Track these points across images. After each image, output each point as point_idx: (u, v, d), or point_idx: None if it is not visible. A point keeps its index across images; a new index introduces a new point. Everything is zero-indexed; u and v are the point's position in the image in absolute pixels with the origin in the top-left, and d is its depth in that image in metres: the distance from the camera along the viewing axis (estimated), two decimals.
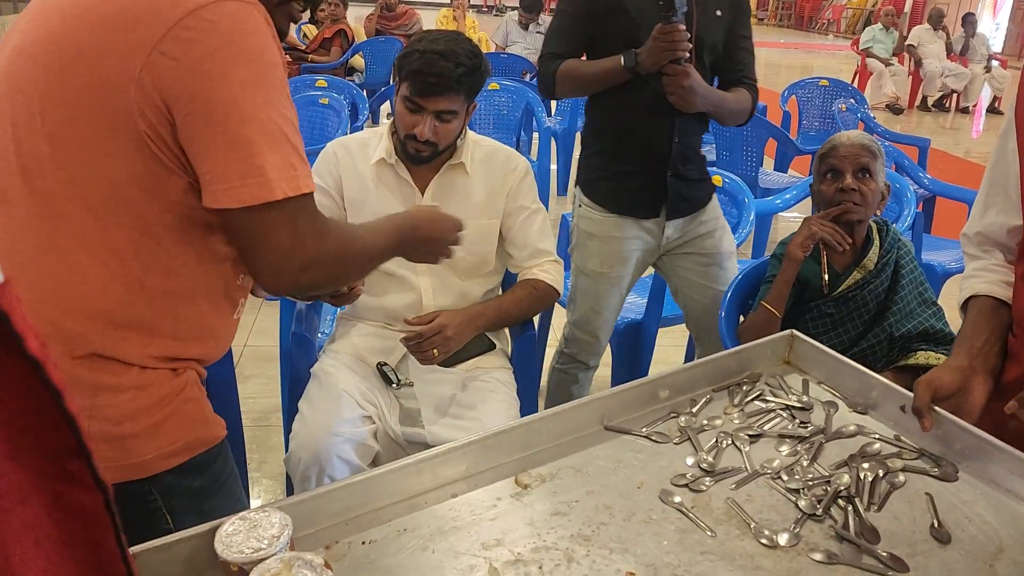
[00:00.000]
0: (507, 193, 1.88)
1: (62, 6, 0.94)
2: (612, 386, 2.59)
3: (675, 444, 1.10)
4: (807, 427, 1.13)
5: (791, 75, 11.76)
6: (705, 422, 1.14)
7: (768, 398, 1.19)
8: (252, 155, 0.92)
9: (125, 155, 0.93)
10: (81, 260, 0.96)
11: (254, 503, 1.99)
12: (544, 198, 4.05)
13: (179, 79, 0.89)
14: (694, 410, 1.17)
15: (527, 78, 6.02)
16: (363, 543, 0.94)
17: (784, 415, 1.16)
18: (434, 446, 1.61)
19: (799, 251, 1.82)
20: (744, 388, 1.22)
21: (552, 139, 4.99)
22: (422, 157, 1.77)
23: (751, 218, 2.70)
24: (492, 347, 1.91)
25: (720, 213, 2.21)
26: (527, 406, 1.89)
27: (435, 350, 1.74)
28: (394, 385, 1.79)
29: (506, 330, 2.04)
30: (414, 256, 1.34)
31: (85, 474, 0.43)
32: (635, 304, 2.75)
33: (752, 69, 2.09)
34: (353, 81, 5.88)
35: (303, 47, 6.70)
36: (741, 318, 2.05)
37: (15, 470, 0.40)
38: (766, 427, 1.13)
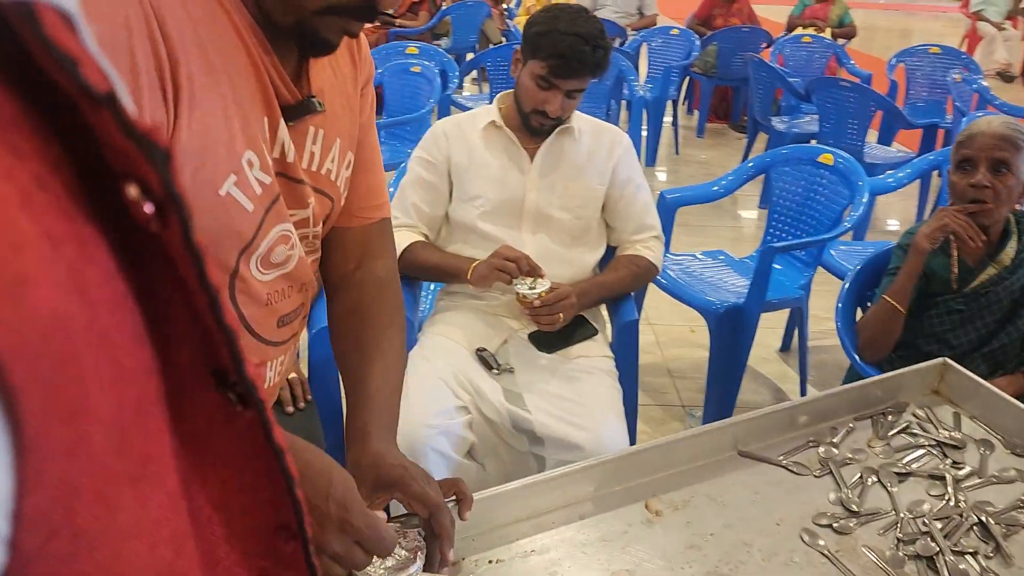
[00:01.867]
0: (614, 164, 1.88)
1: None
2: (709, 370, 2.56)
3: (815, 477, 1.04)
4: (960, 468, 1.05)
5: (889, 39, 11.19)
6: (848, 455, 1.08)
7: (916, 431, 1.12)
8: None
9: None
10: None
11: None
12: None
13: None
14: (835, 440, 1.10)
15: (617, 44, 5.85)
16: (490, 562, 0.92)
17: (934, 452, 1.09)
18: (542, 435, 1.62)
19: (927, 243, 1.71)
20: (889, 419, 1.15)
21: (643, 109, 4.85)
22: (545, 129, 1.84)
23: (864, 200, 2.55)
24: (594, 333, 1.88)
25: None
26: (628, 395, 1.85)
27: (560, 315, 1.74)
28: (494, 371, 1.77)
29: (605, 315, 2.00)
30: None
31: (298, 557, 0.42)
32: (737, 286, 2.66)
33: None
34: (439, 46, 5.82)
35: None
36: (859, 312, 1.96)
37: (228, 554, 0.40)
38: (914, 465, 1.06)
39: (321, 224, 0.94)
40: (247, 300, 0.85)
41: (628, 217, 1.91)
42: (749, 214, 4.64)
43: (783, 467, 1.05)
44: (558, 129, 1.85)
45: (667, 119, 5.53)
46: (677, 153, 5.63)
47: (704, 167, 5.33)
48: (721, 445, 1.07)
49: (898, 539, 0.95)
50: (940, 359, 1.21)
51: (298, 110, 0.84)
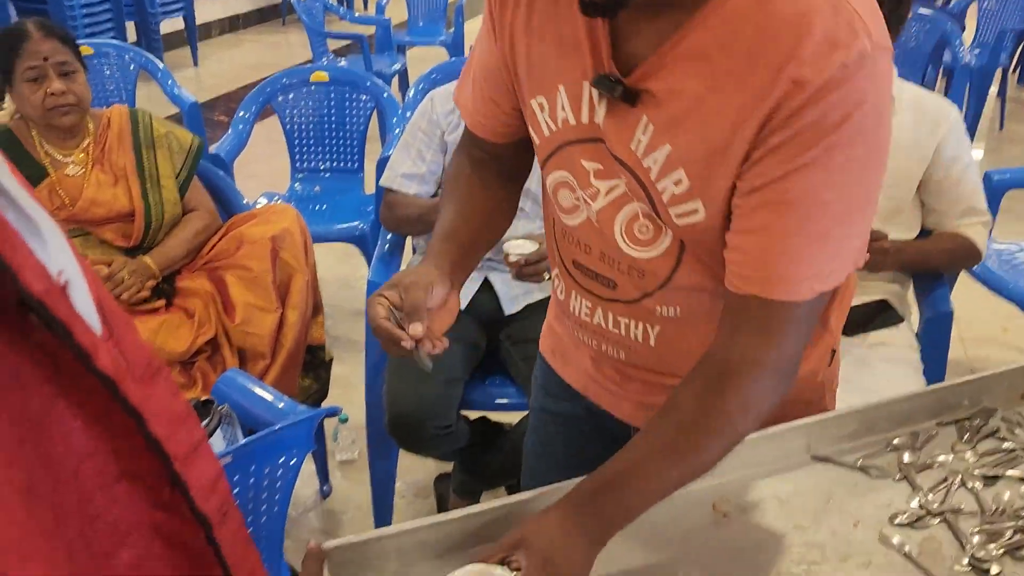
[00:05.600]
0: (939, 140, 1.70)
1: None
2: None
3: (895, 481, 0.96)
4: None
5: None
6: (930, 459, 0.99)
7: (1004, 436, 1.02)
8: None
9: None
10: None
11: None
12: None
13: None
14: (916, 445, 1.02)
15: (939, 3, 5.24)
16: None
17: None
18: None
19: None
20: (976, 423, 1.05)
21: (968, 80, 4.28)
22: None
23: None
24: (899, 320, 1.78)
25: None
26: None
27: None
28: None
29: (914, 305, 1.87)
30: None
31: (181, 504, 0.40)
32: None
33: None
34: None
35: None
36: None
37: (110, 504, 0.38)
38: (1007, 471, 0.97)
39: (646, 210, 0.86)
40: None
41: (954, 199, 1.73)
42: None
43: (859, 470, 0.98)
44: None
45: (992, 89, 4.89)
46: (1001, 129, 4.99)
47: None
48: (793, 448, 1.00)
49: (985, 538, 0.87)
50: None
51: (607, 83, 0.80)
